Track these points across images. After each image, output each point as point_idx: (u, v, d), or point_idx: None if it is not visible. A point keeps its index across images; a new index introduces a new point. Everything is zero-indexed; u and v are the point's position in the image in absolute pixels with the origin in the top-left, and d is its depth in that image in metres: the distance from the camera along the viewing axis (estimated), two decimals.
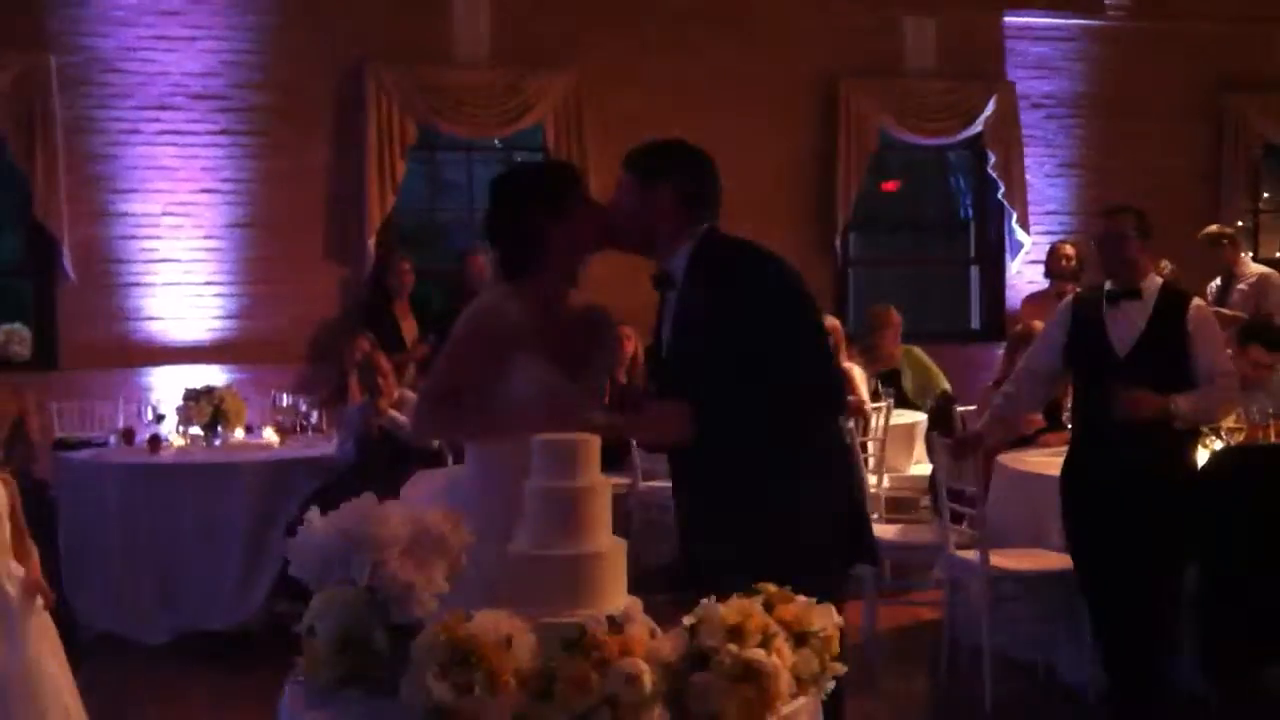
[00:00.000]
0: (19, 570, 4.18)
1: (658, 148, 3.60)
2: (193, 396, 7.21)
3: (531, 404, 3.30)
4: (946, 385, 8.65)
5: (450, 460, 5.79)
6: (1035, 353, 5.30)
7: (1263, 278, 8.37)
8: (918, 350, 8.87)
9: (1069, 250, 8.96)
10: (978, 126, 10.27)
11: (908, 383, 8.62)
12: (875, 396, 8.00)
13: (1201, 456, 5.19)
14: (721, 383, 3.33)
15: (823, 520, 3.42)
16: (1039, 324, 6.19)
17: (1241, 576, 5.06)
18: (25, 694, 4.12)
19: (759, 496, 3.36)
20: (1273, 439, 5.69)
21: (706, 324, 3.39)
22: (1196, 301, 4.96)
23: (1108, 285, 4.99)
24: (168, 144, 8.79)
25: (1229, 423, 5.51)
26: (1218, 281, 8.51)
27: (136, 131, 8.75)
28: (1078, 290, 5.92)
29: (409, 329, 8.69)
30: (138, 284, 8.79)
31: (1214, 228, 8.77)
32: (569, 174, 3.57)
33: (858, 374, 7.90)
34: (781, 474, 3.37)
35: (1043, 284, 9.35)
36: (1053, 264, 9.06)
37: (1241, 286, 8.30)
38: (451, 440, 3.61)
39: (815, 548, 3.25)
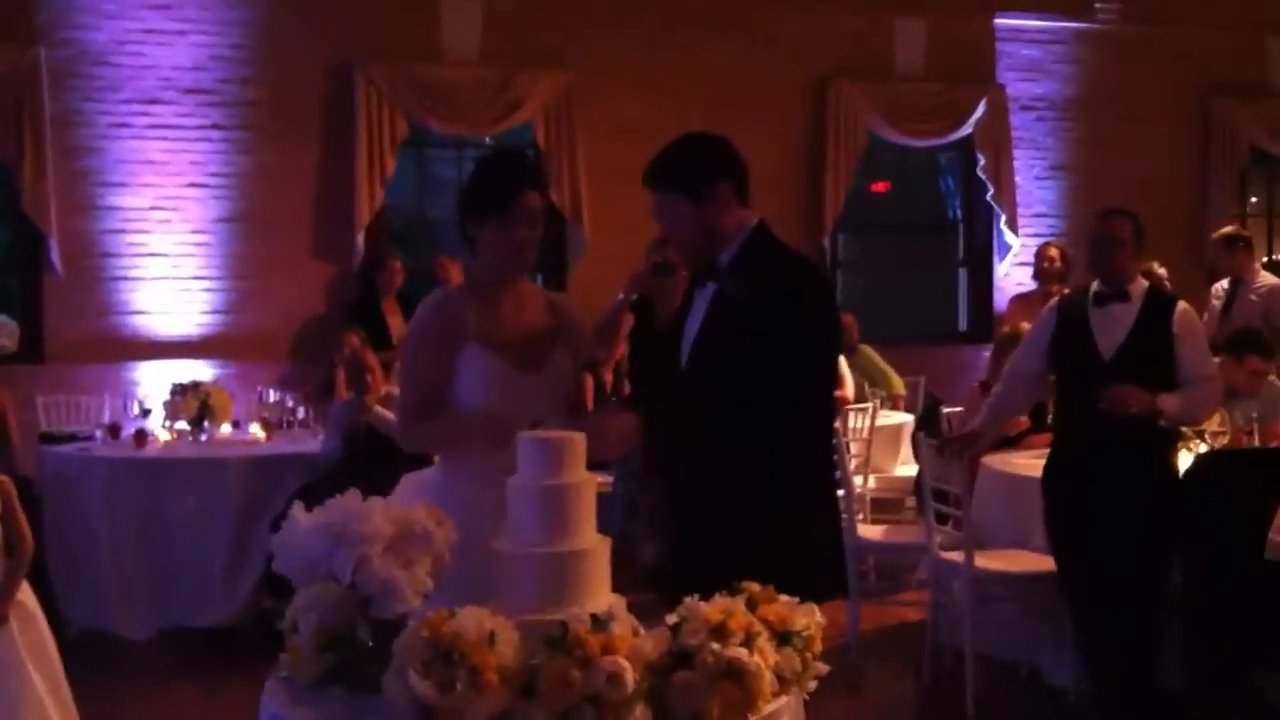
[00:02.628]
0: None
1: (688, 154, 3.48)
2: (179, 391, 7.20)
3: (471, 417, 3.29)
4: (900, 388, 8.76)
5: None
6: (1020, 355, 5.32)
7: (1274, 288, 8.18)
8: (870, 350, 8.91)
9: (1052, 252, 8.94)
10: (968, 128, 10.30)
11: (853, 384, 8.60)
12: (860, 398, 8.01)
13: (1184, 460, 5.20)
14: (739, 381, 3.27)
15: (806, 545, 3.34)
16: (1026, 325, 6.19)
17: (1224, 581, 5.07)
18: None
19: (747, 508, 3.27)
20: (1257, 443, 5.73)
21: (743, 315, 3.32)
22: (1182, 305, 4.97)
23: (1094, 287, 5.00)
24: (157, 138, 8.77)
25: (1213, 426, 5.53)
26: (1225, 284, 8.35)
27: (125, 125, 8.72)
28: (1065, 291, 5.93)
29: (397, 326, 8.67)
30: (125, 278, 8.77)
31: (1230, 229, 8.59)
32: (507, 170, 3.47)
33: (846, 370, 7.92)
34: (774, 484, 3.29)
35: (1031, 285, 9.35)
36: (1038, 265, 9.06)
37: (1252, 296, 8.14)
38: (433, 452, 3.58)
39: (793, 575, 2.91)
